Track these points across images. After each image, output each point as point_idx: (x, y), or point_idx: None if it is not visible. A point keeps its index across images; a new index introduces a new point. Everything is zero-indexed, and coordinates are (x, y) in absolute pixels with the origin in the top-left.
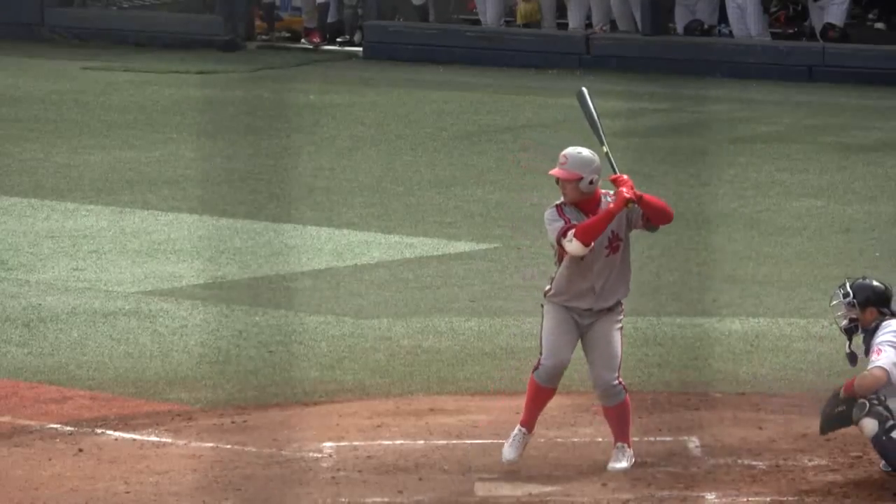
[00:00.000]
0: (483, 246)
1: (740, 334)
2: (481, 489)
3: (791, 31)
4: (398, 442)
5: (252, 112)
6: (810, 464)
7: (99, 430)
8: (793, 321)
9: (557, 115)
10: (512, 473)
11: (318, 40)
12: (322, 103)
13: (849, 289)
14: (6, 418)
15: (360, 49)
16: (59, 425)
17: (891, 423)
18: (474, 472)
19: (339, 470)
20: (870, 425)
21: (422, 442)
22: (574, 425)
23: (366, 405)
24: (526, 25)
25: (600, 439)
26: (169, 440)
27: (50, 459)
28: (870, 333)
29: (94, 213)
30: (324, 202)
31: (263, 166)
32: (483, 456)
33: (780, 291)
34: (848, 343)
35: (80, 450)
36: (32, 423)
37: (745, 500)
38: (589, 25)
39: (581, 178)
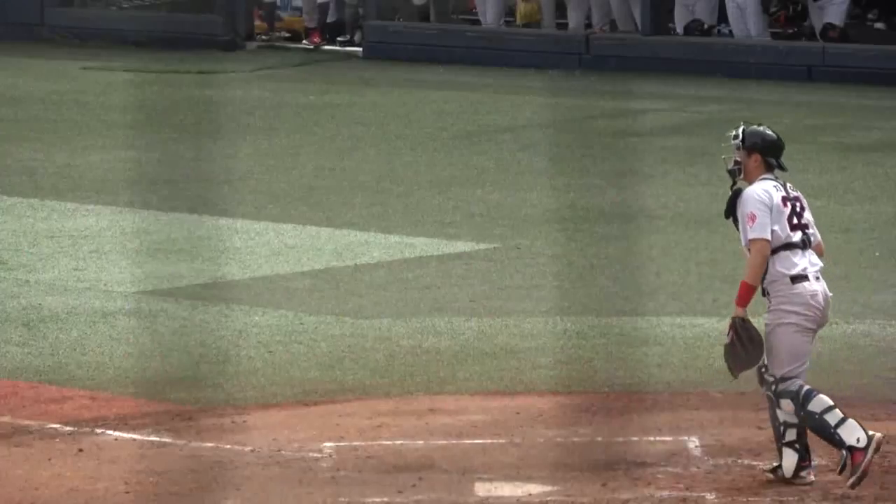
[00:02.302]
0: (483, 246)
1: None
2: (481, 489)
3: (791, 31)
4: (398, 442)
5: (252, 112)
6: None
7: (99, 430)
8: None
9: (557, 115)
10: (512, 473)
11: (318, 40)
12: (322, 103)
13: (739, 131)
14: (6, 418)
15: (360, 49)
16: (59, 425)
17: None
18: (474, 472)
19: (339, 470)
20: (786, 405)
21: (422, 442)
22: (574, 425)
23: (366, 405)
24: (526, 25)
25: (600, 439)
26: (169, 440)
27: (50, 459)
28: (734, 203)
29: (94, 213)
30: (324, 202)
31: (263, 166)
32: (483, 456)
33: None
34: (731, 185)
35: (80, 450)
36: (32, 423)
37: (745, 499)
38: (589, 25)
39: None
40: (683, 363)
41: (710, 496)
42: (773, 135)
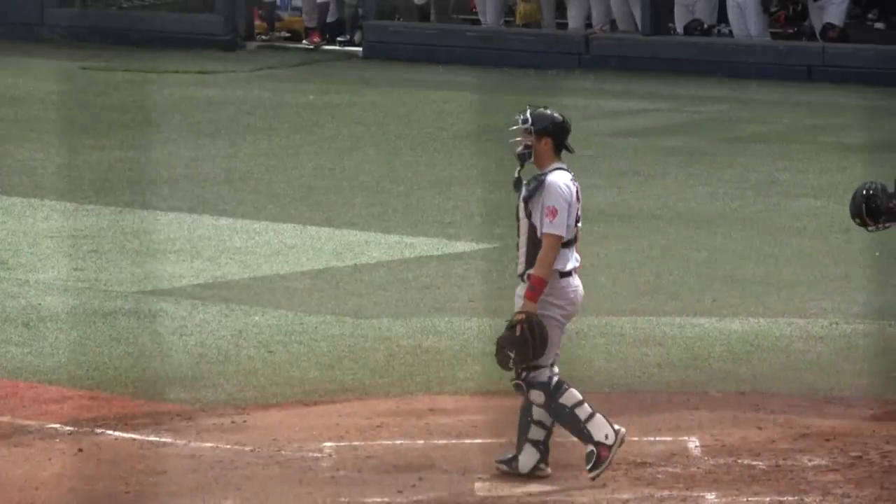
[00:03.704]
0: (483, 246)
1: (740, 334)
2: (481, 489)
3: (791, 31)
4: (398, 442)
5: (252, 112)
6: (810, 464)
7: (99, 430)
8: (793, 321)
9: None
10: (512, 473)
11: (318, 40)
12: (322, 103)
13: (528, 115)
14: (6, 418)
15: (360, 49)
16: (59, 425)
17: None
18: (474, 472)
19: (338, 470)
20: (536, 397)
21: (422, 442)
22: None
23: (366, 405)
24: (526, 25)
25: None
26: (169, 440)
27: (50, 459)
28: (535, 190)
29: (94, 213)
30: (324, 202)
31: (263, 166)
32: (483, 456)
33: (780, 291)
34: (518, 168)
35: (80, 450)
36: (32, 423)
37: (745, 499)
38: (589, 25)
39: None
40: (683, 363)
41: (710, 496)
42: (561, 117)
